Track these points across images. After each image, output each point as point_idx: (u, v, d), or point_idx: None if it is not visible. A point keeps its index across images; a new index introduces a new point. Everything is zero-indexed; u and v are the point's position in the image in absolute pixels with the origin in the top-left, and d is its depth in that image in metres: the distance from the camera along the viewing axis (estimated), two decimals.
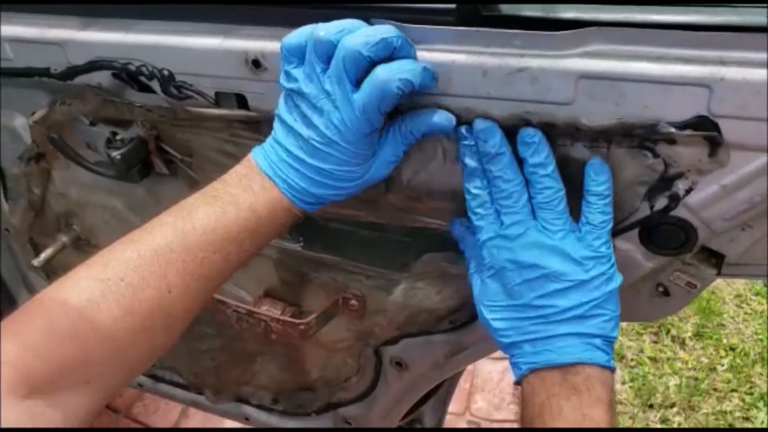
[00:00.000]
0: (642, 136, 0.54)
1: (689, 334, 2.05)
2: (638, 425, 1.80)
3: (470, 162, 0.58)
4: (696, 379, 1.91)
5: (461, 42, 0.55)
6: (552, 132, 0.56)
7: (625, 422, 1.82)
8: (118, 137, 0.78)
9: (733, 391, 1.88)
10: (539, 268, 0.57)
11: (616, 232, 0.60)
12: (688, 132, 0.51)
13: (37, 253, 0.95)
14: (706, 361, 1.97)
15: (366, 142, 0.56)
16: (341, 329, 0.85)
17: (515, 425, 1.80)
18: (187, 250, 0.54)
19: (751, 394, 1.87)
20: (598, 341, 0.57)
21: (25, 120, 0.83)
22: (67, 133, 0.81)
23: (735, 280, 2.18)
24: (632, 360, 1.99)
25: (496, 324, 0.60)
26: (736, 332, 2.06)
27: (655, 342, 2.05)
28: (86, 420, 0.50)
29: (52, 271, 1.03)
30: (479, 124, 0.56)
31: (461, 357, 0.79)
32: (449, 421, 1.80)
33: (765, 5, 0.50)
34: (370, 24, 0.56)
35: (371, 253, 0.78)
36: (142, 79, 0.70)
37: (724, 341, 2.03)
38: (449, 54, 0.56)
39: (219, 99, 0.68)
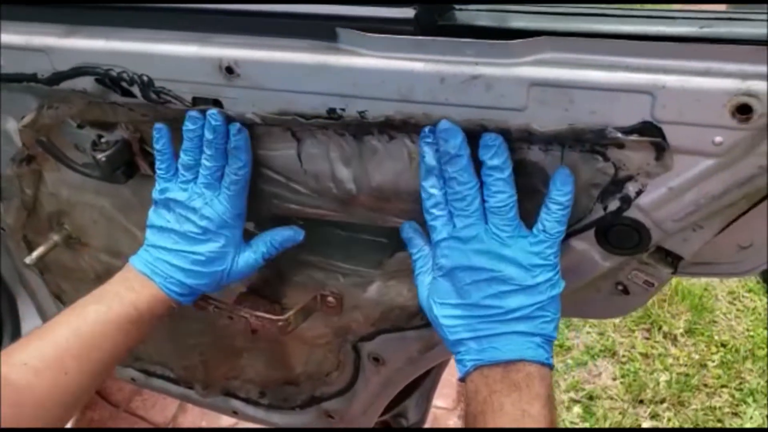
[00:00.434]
0: (592, 141, 0.56)
1: (681, 330, 2.06)
2: (628, 420, 1.82)
3: (429, 161, 0.60)
4: (686, 375, 1.93)
5: (419, 50, 0.58)
6: (507, 137, 0.58)
7: (615, 417, 1.83)
8: (103, 140, 0.80)
9: (723, 386, 1.90)
10: (488, 271, 0.59)
11: (572, 233, 0.63)
12: (635, 137, 0.54)
13: (30, 251, 0.99)
14: (697, 357, 1.99)
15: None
16: (320, 325, 0.88)
17: None
18: (80, 339, 0.67)
19: (741, 389, 1.88)
20: (539, 340, 0.59)
21: (17, 123, 0.86)
22: (56, 135, 0.84)
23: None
24: (624, 356, 2.01)
25: (445, 321, 0.62)
26: (727, 329, 2.07)
27: (647, 338, 2.06)
28: None
29: (45, 268, 1.07)
30: (443, 124, 0.59)
31: (435, 352, 0.82)
32: (440, 417, 1.83)
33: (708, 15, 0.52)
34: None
35: (347, 251, 0.80)
36: (124, 84, 0.73)
37: (716, 338, 2.04)
38: (408, 62, 0.58)
39: (197, 104, 0.70)
